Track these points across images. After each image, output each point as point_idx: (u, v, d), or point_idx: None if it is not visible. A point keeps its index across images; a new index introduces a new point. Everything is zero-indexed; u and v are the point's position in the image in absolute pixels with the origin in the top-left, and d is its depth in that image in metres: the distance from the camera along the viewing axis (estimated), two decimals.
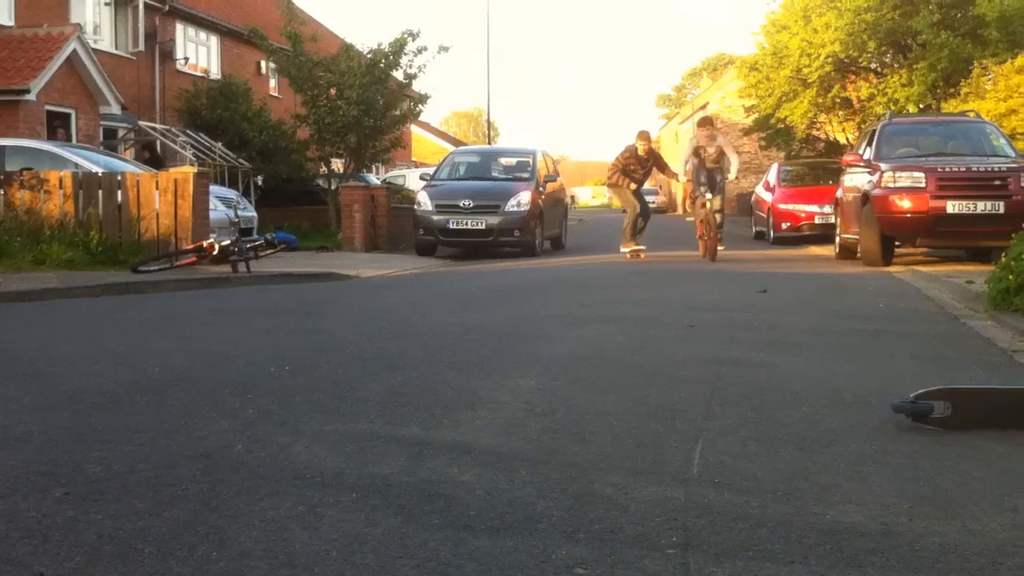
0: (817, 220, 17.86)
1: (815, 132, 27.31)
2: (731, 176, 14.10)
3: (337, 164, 22.01)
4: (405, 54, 20.60)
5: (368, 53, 20.77)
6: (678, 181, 14.70)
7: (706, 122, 14.83)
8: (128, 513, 2.50)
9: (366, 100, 20.12)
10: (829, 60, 23.19)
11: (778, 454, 3.09)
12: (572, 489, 2.72)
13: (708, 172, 13.83)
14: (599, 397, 3.99)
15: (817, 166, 21.52)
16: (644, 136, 14.80)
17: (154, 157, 19.52)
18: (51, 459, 2.98)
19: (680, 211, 56.90)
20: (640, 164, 14.66)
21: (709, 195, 13.57)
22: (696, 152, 13.95)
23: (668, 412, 3.67)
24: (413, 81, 21.39)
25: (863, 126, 20.90)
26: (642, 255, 14.10)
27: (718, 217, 13.68)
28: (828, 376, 4.48)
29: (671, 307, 7.38)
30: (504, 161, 18.53)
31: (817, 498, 2.65)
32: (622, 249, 14.26)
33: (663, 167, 15.42)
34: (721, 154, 13.93)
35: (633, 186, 14.66)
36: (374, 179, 23.99)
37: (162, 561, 2.18)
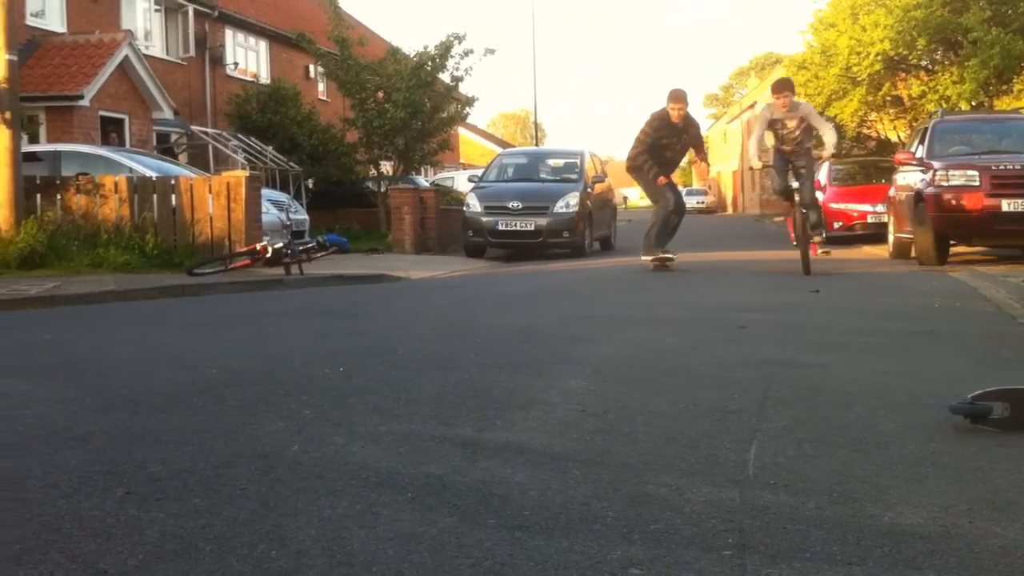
0: (870, 219, 17.66)
1: (866, 131, 27.01)
2: (828, 152, 11.31)
3: (386, 167, 22.15)
4: (451, 56, 20.70)
5: (414, 56, 20.90)
6: (753, 168, 11.11)
7: (784, 86, 10.83)
8: (189, 512, 2.54)
9: (413, 103, 20.23)
10: (879, 58, 22.91)
11: (834, 455, 3.07)
12: (626, 490, 2.72)
13: (789, 154, 10.68)
14: (651, 398, 3.99)
15: (868, 165, 21.29)
16: (678, 97, 11.24)
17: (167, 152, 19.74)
18: (113, 459, 3.04)
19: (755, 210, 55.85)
20: (674, 136, 11.33)
21: (795, 184, 10.46)
22: (772, 127, 10.67)
23: (721, 413, 3.66)
24: (459, 84, 21.47)
25: (915, 124, 20.62)
26: (671, 264, 11.43)
27: (811, 215, 10.47)
28: (883, 377, 4.44)
29: (722, 308, 7.34)
30: (552, 162, 18.54)
31: (874, 500, 2.63)
32: (643, 257, 11.49)
33: (699, 144, 12.25)
34: (806, 129, 10.56)
35: (662, 178, 11.47)
36: (423, 181, 24.10)
37: (222, 559, 2.22)
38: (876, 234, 16.54)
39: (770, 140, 10.89)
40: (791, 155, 10.58)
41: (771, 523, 2.45)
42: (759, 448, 3.16)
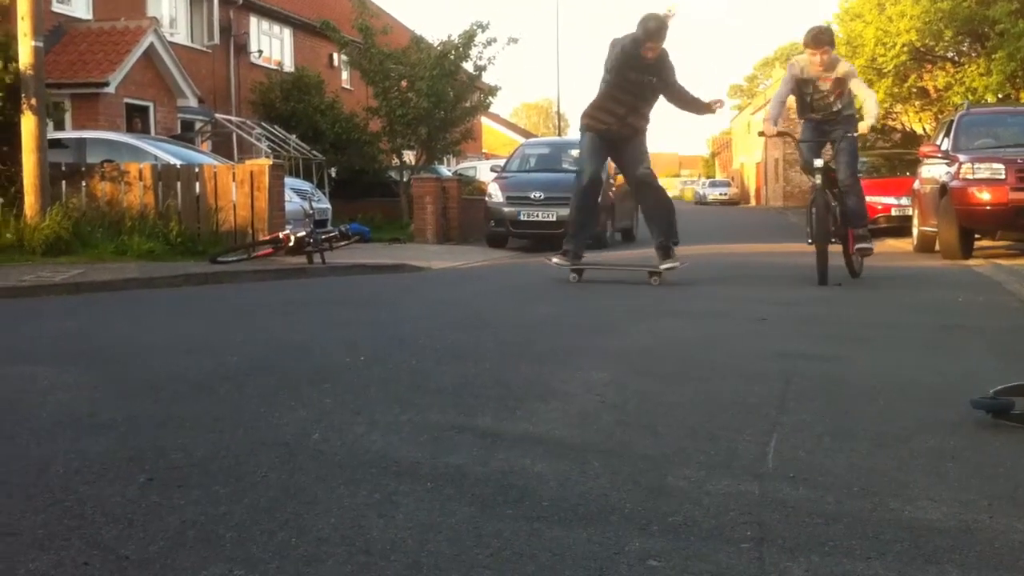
0: (894, 212, 17.56)
1: (891, 123, 26.85)
2: (867, 123, 8.76)
3: (409, 156, 22.18)
4: (475, 46, 20.68)
5: (438, 45, 20.90)
6: (765, 134, 8.79)
7: (823, 37, 8.47)
8: (210, 499, 2.56)
9: (436, 92, 20.23)
10: (905, 49, 22.78)
11: (854, 449, 3.06)
12: (645, 481, 2.73)
13: (823, 123, 8.63)
14: (671, 390, 3.98)
15: (893, 157, 21.17)
16: (656, 32, 7.99)
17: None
18: (135, 445, 3.06)
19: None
20: (644, 73, 8.24)
21: (819, 162, 8.27)
22: (801, 88, 8.59)
23: (741, 406, 3.66)
24: (483, 73, 21.46)
25: (940, 116, 20.48)
26: (575, 277, 8.62)
27: (850, 201, 8.57)
28: (904, 371, 4.42)
29: (742, 301, 7.33)
30: (575, 153, 18.50)
31: (894, 494, 2.63)
32: (553, 261, 8.79)
33: (677, 94, 8.50)
34: (842, 93, 8.53)
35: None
36: (445, 171, 24.11)
37: (243, 546, 2.23)
38: (900, 227, 16.44)
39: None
40: (823, 124, 8.60)
41: (790, 516, 2.44)
42: (779, 441, 3.15)
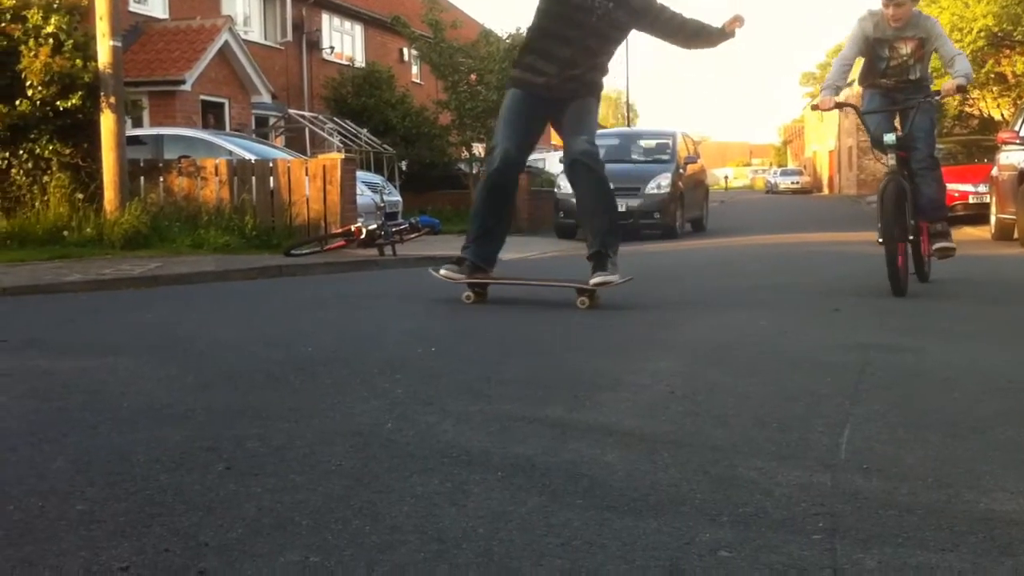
0: (971, 200, 17.19)
1: (968, 109, 26.28)
2: (956, 82, 6.81)
3: (478, 148, 22.28)
4: None
5: (507, 38, 20.95)
6: (819, 107, 7.16)
7: None
8: (286, 487, 2.61)
9: (505, 84, 20.27)
10: (982, 34, 22.25)
11: (928, 440, 3.02)
12: (715, 472, 2.72)
13: (893, 90, 7.14)
14: (741, 380, 3.96)
15: (970, 144, 20.71)
16: None
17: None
18: (213, 435, 3.13)
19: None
20: (582, 14, 5.99)
21: (891, 138, 6.65)
22: (872, 50, 7.07)
23: (813, 396, 3.62)
24: None
25: (1019, 102, 19.96)
26: (469, 296, 6.30)
27: (926, 187, 7.02)
28: (980, 362, 4.34)
29: (815, 291, 7.24)
30: (643, 143, 18.46)
31: (969, 486, 2.58)
32: (441, 273, 6.50)
33: (665, 25, 6.32)
34: (923, 56, 7.07)
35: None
36: None
37: (318, 533, 2.28)
38: (978, 215, 16.10)
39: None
40: (894, 91, 7.15)
41: (863, 508, 2.42)
42: (852, 432, 3.12)
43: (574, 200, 15.80)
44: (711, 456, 2.87)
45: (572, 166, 6.20)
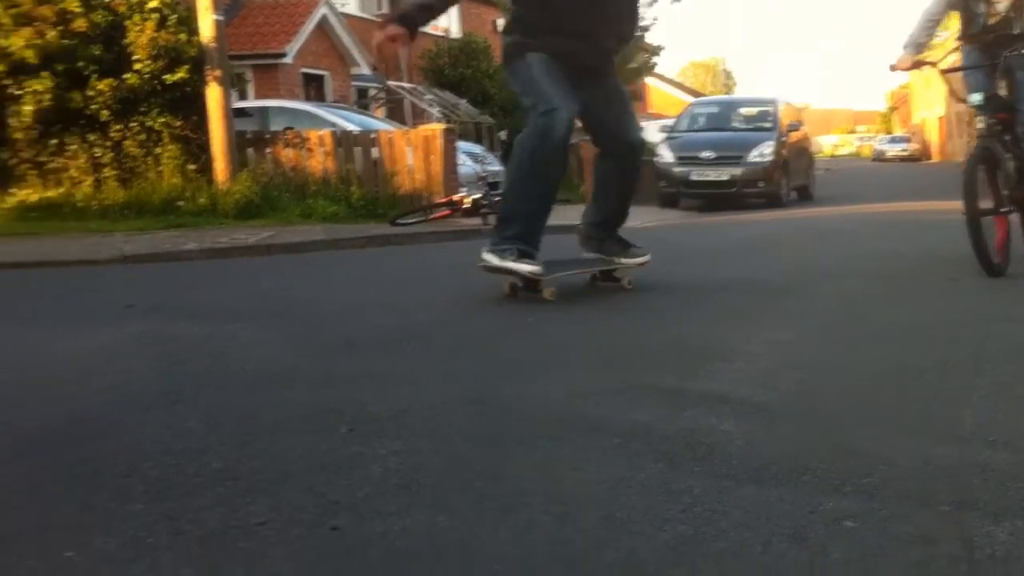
0: None
1: None
2: None
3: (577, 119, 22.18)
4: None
5: None
6: (895, 66, 6.47)
7: None
8: (408, 449, 2.67)
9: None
10: None
11: None
12: (835, 442, 2.69)
13: (992, 45, 6.24)
14: (857, 351, 3.90)
15: None
16: None
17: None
18: (336, 398, 3.22)
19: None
20: None
21: (977, 98, 5.94)
22: (963, 2, 6.35)
23: (933, 368, 3.55)
24: (646, 33, 21.25)
25: None
26: (547, 293, 5.12)
27: None
28: None
29: (931, 260, 7.06)
30: (744, 111, 18.19)
31: None
32: (487, 256, 5.22)
33: None
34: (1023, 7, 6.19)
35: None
36: None
37: (442, 494, 2.33)
38: None
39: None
40: (993, 46, 6.26)
41: (990, 480, 2.38)
42: (976, 405, 3.05)
43: (675, 170, 15.82)
44: (830, 427, 2.85)
45: (627, 158, 5.60)
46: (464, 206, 11.33)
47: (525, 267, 5.05)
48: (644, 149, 5.60)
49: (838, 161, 60.09)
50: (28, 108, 11.68)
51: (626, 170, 5.63)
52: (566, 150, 5.30)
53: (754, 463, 2.52)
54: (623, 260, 5.57)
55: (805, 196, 17.99)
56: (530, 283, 5.09)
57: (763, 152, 15.84)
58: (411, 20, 5.03)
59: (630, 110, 5.67)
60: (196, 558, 2.01)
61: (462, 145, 14.82)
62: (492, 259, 5.12)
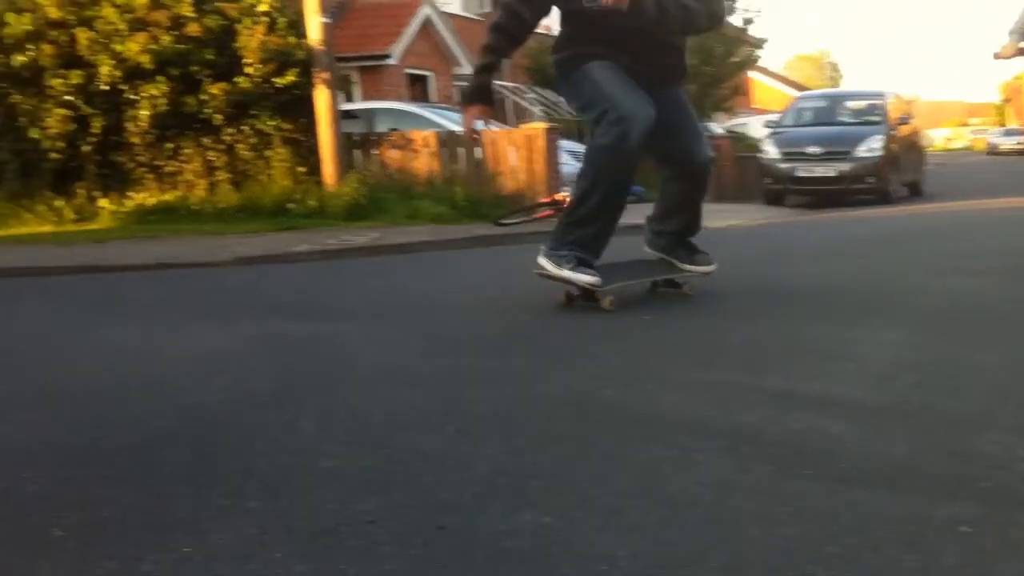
0: None
1: None
2: None
3: None
4: None
5: None
6: (999, 55, 6.65)
7: None
8: (514, 450, 2.70)
9: (703, 48, 19.94)
10: None
11: None
12: (950, 445, 2.63)
13: None
14: (972, 351, 3.79)
15: None
16: None
17: None
18: (444, 398, 3.27)
19: None
20: None
21: None
22: None
23: None
24: (750, 26, 20.97)
25: None
26: (606, 303, 4.79)
27: None
28: None
29: None
30: (852, 105, 17.79)
31: None
32: (541, 262, 4.96)
33: None
34: None
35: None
36: (717, 128, 23.73)
37: (548, 495, 2.35)
38: None
39: None
40: None
41: None
42: None
43: (781, 166, 15.54)
44: (945, 429, 2.78)
45: (698, 176, 5.28)
46: (566, 205, 11.32)
47: (583, 277, 4.77)
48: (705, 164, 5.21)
49: (951, 155, 58.28)
50: (145, 113, 12.00)
51: (700, 187, 5.35)
52: (637, 158, 4.87)
53: (865, 466, 2.48)
54: (688, 267, 5.31)
55: (916, 192, 17.50)
56: (587, 292, 4.85)
57: (872, 147, 15.48)
58: (479, 93, 4.95)
59: (694, 122, 5.27)
60: (309, 555, 2.06)
61: (564, 144, 14.81)
62: (548, 266, 4.86)
